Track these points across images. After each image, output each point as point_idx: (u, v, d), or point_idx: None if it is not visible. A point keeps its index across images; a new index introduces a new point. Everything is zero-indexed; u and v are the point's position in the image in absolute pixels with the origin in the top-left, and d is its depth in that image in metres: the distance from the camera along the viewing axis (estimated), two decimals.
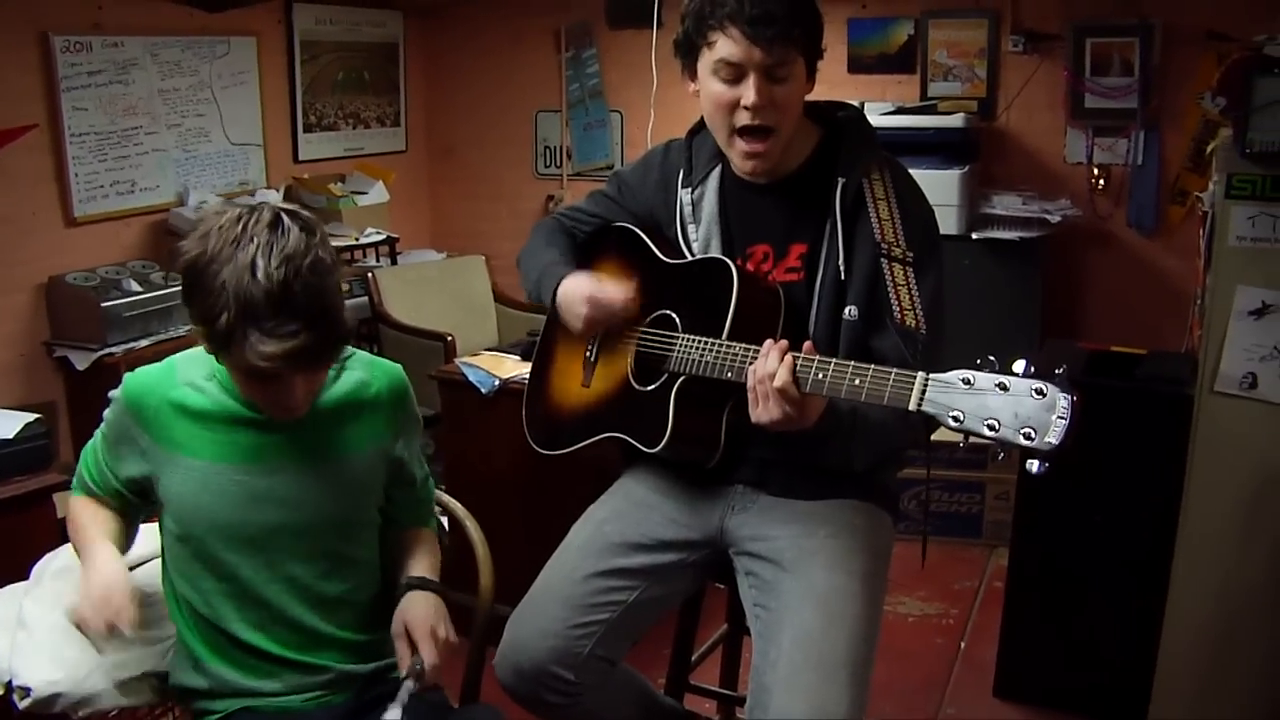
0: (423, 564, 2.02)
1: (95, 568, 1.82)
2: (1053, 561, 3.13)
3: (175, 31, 4.90)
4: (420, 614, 1.87)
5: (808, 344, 1.81)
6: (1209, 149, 3.27)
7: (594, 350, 2.21)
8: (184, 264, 1.67)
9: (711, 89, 1.98)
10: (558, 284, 2.14)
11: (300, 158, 5.71)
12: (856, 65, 5.26)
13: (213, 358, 1.82)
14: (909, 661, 3.50)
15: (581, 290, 2.10)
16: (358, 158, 6.02)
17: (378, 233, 5.55)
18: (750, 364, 1.83)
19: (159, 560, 1.99)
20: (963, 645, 3.63)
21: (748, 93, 1.92)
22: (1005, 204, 4.70)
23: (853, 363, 1.74)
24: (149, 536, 2.04)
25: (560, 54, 5.97)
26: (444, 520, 2.23)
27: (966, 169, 4.57)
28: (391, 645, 1.92)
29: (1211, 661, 2.80)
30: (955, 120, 4.65)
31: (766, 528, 2.07)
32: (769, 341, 1.82)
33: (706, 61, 1.96)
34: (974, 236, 4.56)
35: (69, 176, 4.52)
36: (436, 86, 6.43)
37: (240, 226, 1.64)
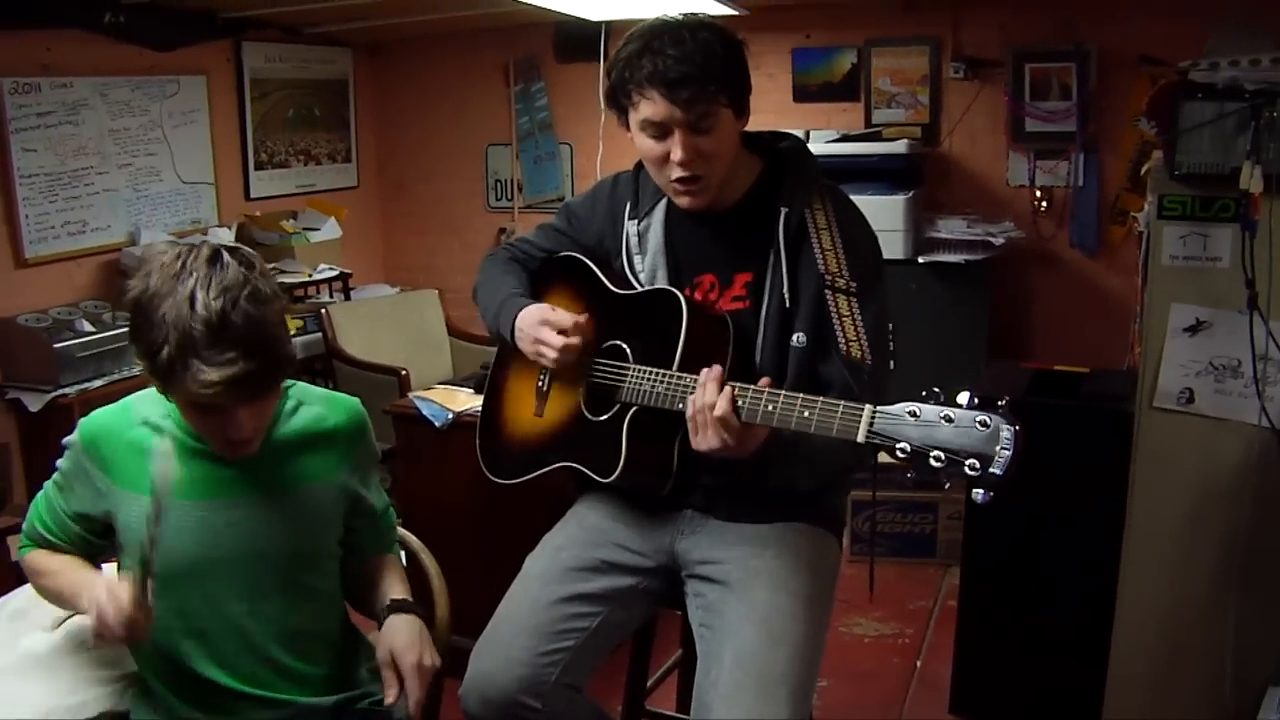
0: (398, 588, 2.04)
1: (93, 585, 1.78)
2: (1003, 579, 3.18)
3: (125, 71, 4.89)
4: (405, 642, 1.89)
5: (765, 380, 1.86)
6: (1143, 170, 3.35)
7: (546, 380, 2.25)
8: (128, 302, 1.71)
9: (642, 145, 2.05)
10: (515, 315, 2.18)
11: (252, 195, 5.70)
12: (801, 94, 5.34)
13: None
14: (865, 681, 3.54)
15: (535, 316, 2.14)
16: (310, 194, 6.03)
17: (330, 269, 5.55)
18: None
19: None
20: (918, 664, 3.67)
21: (675, 149, 1.98)
22: (950, 228, 4.78)
23: (801, 395, 1.78)
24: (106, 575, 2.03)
25: (509, 88, 6.02)
26: (400, 553, 2.25)
27: (911, 194, 4.64)
28: (354, 677, 1.96)
29: (1160, 670, 2.85)
30: (899, 146, 4.73)
31: (715, 550, 2.10)
32: (705, 371, 1.87)
33: (634, 119, 2.03)
34: (920, 260, 4.64)
35: (19, 217, 4.49)
36: (387, 122, 6.45)
37: (180, 263, 1.68)
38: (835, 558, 2.20)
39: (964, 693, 3.31)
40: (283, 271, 5.31)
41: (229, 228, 5.38)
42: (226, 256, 1.70)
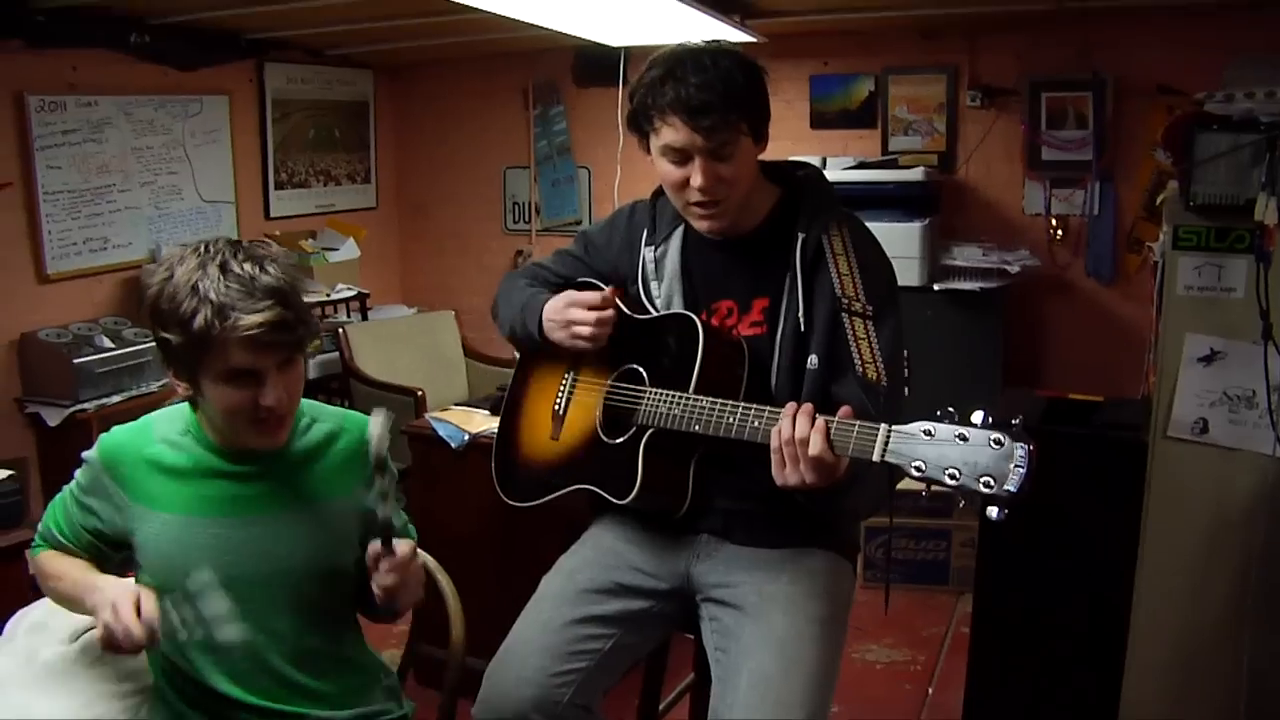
0: None
1: (102, 589, 1.79)
2: (1016, 606, 3.17)
3: (149, 91, 4.96)
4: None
5: (845, 408, 1.81)
6: (1159, 200, 3.36)
7: (562, 403, 2.26)
8: (153, 292, 1.76)
9: (662, 169, 2.07)
10: (541, 308, 2.21)
11: (272, 214, 5.77)
12: (819, 121, 5.38)
13: (188, 412, 1.89)
14: (877, 708, 3.53)
15: (560, 301, 2.18)
16: (329, 214, 6.09)
17: (349, 289, 5.60)
18: (723, 419, 1.89)
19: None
20: (930, 691, 3.66)
21: (695, 175, 2.00)
22: (966, 255, 4.79)
23: (827, 417, 1.79)
24: None
25: (529, 111, 6.07)
26: None
27: (927, 221, 4.66)
28: (370, 696, 1.98)
29: (1173, 700, 2.84)
30: (916, 174, 4.75)
31: (730, 574, 2.11)
32: (791, 405, 1.84)
33: (655, 144, 2.05)
34: (935, 288, 4.65)
35: (42, 234, 4.56)
36: (406, 144, 6.50)
37: (202, 248, 1.77)
38: (850, 583, 2.20)
39: None
40: (308, 303, 5.32)
41: None
42: (244, 242, 1.81)
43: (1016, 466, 1.60)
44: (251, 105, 5.59)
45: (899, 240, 4.42)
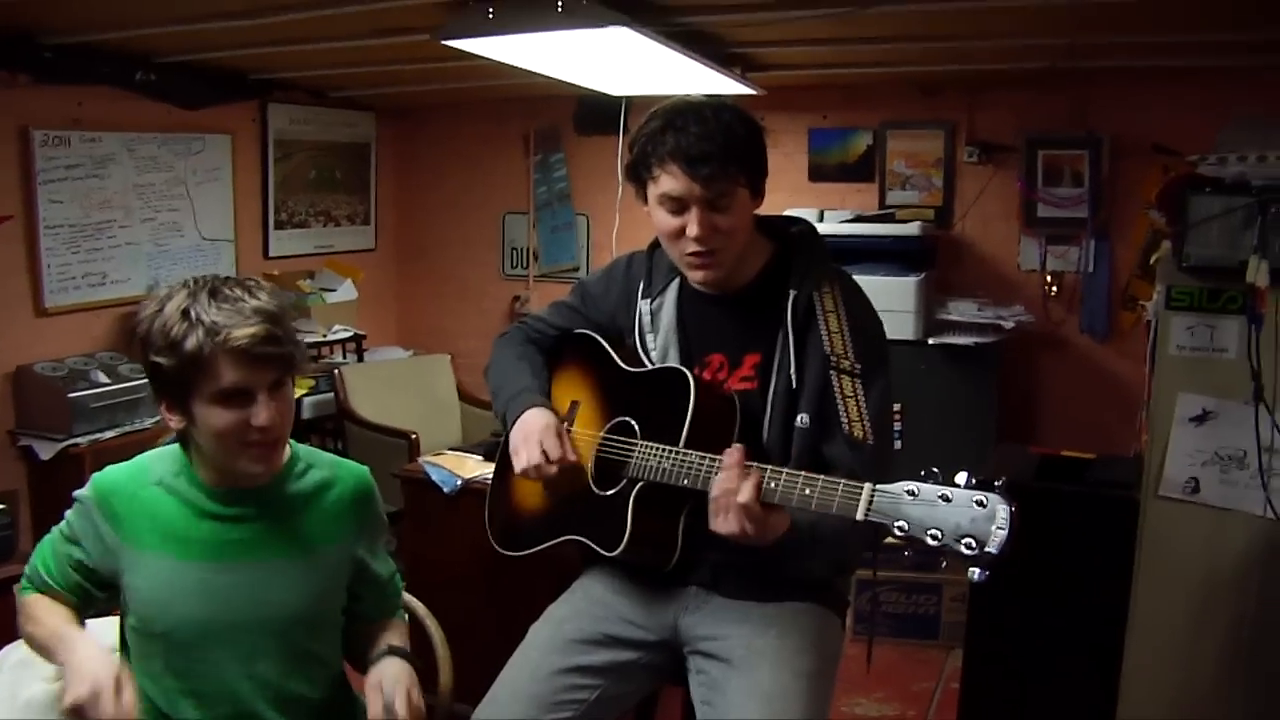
0: (397, 637, 2.06)
1: (80, 654, 1.79)
2: (1007, 662, 3.17)
3: (153, 128, 4.99)
4: (395, 672, 1.91)
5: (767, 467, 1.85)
6: (1153, 259, 3.38)
7: None
8: (145, 325, 1.80)
9: (658, 218, 2.08)
10: (518, 415, 2.20)
11: (271, 254, 5.78)
12: (817, 174, 5.40)
13: (180, 453, 1.90)
14: None
15: (536, 425, 2.16)
16: (327, 255, 6.10)
17: (345, 330, 5.61)
18: (713, 474, 1.89)
19: (118, 654, 1.99)
20: None
21: (691, 225, 2.02)
22: (961, 310, 4.81)
23: (803, 473, 1.80)
24: (109, 629, 2.04)
25: (529, 158, 6.10)
26: (405, 617, 2.26)
27: (923, 276, 4.68)
28: None
29: None
30: (912, 228, 4.77)
31: (719, 627, 2.11)
32: (729, 453, 1.87)
33: (652, 193, 2.07)
34: (930, 342, 4.66)
35: (41, 267, 4.57)
36: (407, 186, 6.53)
37: (192, 282, 1.82)
38: (839, 638, 2.20)
39: None
40: (298, 331, 5.33)
41: None
42: (233, 277, 1.85)
43: (998, 528, 1.61)
44: (254, 144, 5.61)
45: (895, 294, 4.44)
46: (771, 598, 2.12)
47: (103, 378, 4.43)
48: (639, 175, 2.09)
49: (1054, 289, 5.02)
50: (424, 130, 6.40)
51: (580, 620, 2.20)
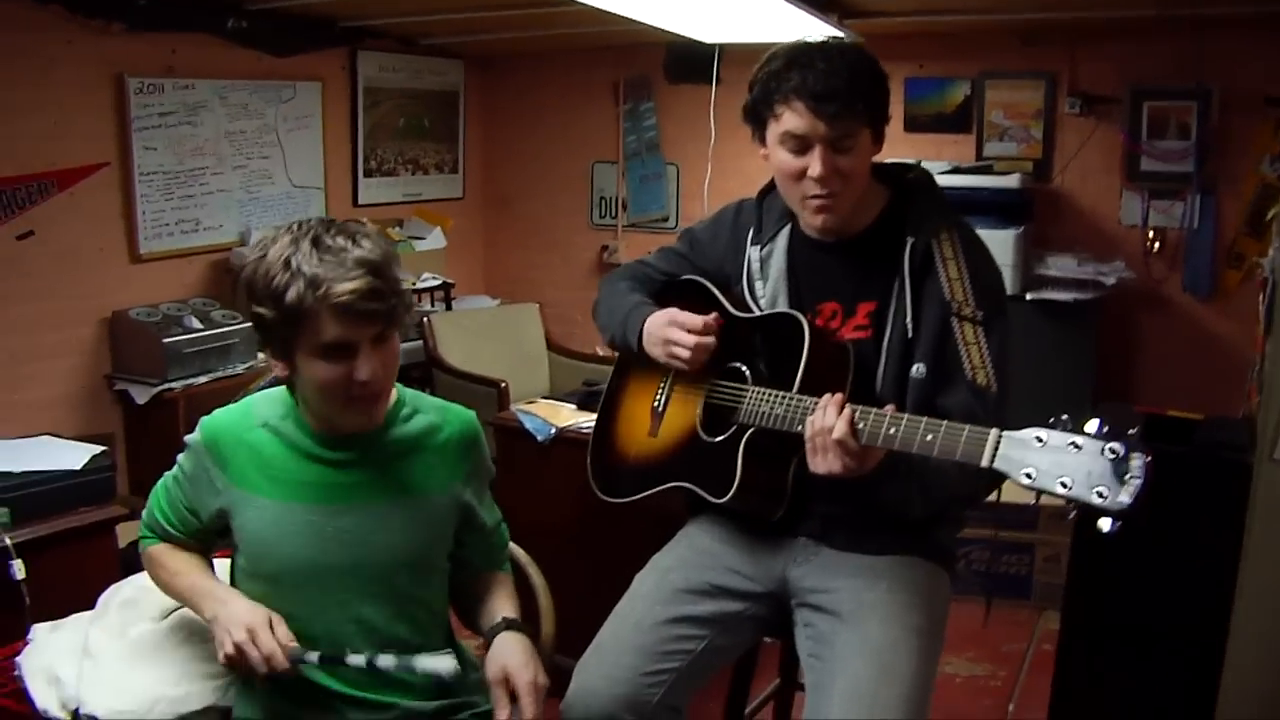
0: (507, 606, 2.03)
1: (230, 605, 1.82)
2: (1106, 627, 3.09)
3: (244, 75, 5.02)
4: (519, 660, 1.87)
5: (890, 406, 1.82)
6: (1269, 215, 3.26)
7: (662, 400, 2.24)
8: (248, 271, 1.77)
9: (779, 158, 2.02)
10: (643, 321, 2.17)
11: (360, 201, 5.81)
12: (913, 124, 5.30)
13: (287, 395, 1.90)
14: None
15: (663, 319, 2.14)
16: (416, 203, 6.12)
17: (434, 278, 5.62)
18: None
19: None
20: (1011, 708, 3.59)
21: (814, 164, 1.96)
22: (1060, 265, 4.70)
23: (925, 419, 1.75)
24: (220, 571, 2.05)
25: (618, 106, 6.05)
26: (510, 571, 2.24)
27: (1021, 229, 4.57)
28: (458, 687, 1.94)
29: None
30: (1011, 181, 4.66)
31: (828, 580, 2.07)
32: (826, 395, 1.84)
33: (774, 132, 2.01)
34: (1028, 297, 4.56)
35: (136, 214, 4.63)
36: (495, 135, 6.52)
37: (295, 227, 1.77)
38: (947, 594, 2.15)
39: None
40: (402, 280, 5.36)
41: None
42: (338, 220, 1.81)
43: (1133, 477, 1.54)
44: (343, 92, 5.63)
45: (992, 247, 4.22)
46: (882, 550, 2.08)
47: (196, 323, 4.47)
48: (759, 114, 2.03)
49: (1156, 245, 4.89)
50: (512, 79, 6.37)
51: (686, 570, 2.16)
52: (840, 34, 4.26)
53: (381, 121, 5.85)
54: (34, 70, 4.24)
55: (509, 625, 1.94)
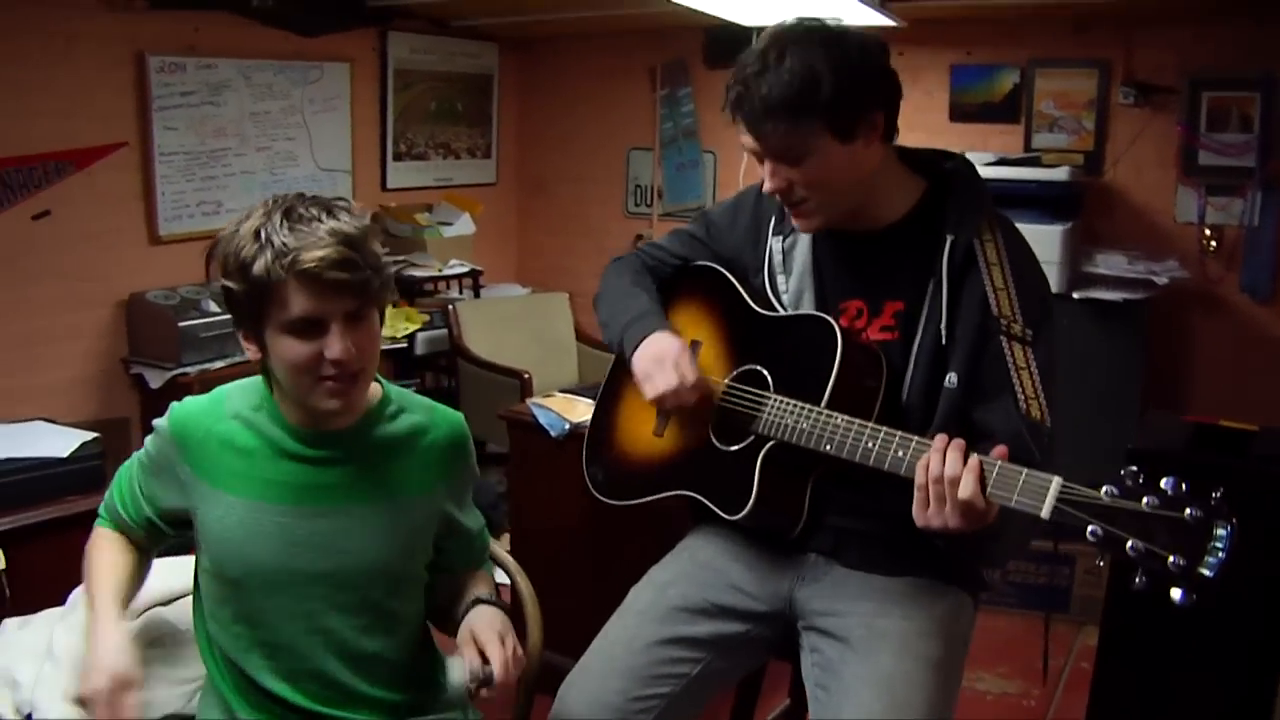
0: (484, 588, 1.93)
1: (103, 644, 1.71)
2: (1147, 646, 2.93)
3: (269, 55, 4.93)
4: (487, 622, 1.77)
5: (1000, 448, 1.61)
6: None
7: None
8: (220, 246, 1.67)
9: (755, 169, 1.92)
10: (642, 338, 2.02)
11: (388, 186, 5.70)
12: (958, 113, 5.12)
13: (263, 385, 1.79)
14: None
15: (668, 352, 1.97)
16: (446, 188, 6.00)
17: (462, 265, 5.52)
18: (861, 442, 1.72)
19: (191, 597, 1.90)
20: None
21: (765, 178, 1.87)
22: (1109, 263, 4.49)
23: (981, 457, 1.59)
24: (183, 570, 1.95)
25: (655, 92, 5.92)
26: (493, 570, 2.11)
27: (1069, 225, 4.38)
28: (432, 704, 1.84)
29: None
30: (1059, 173, 4.46)
31: (838, 602, 1.92)
32: (941, 437, 1.65)
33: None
34: (1075, 296, 4.36)
35: (156, 195, 4.56)
36: (529, 120, 6.42)
37: (270, 200, 1.67)
38: (969, 622, 1.99)
39: None
40: (413, 265, 5.28)
41: None
42: (318, 196, 1.68)
43: (1215, 546, 1.39)
44: (373, 74, 5.52)
45: (1039, 243, 4.01)
46: (898, 572, 1.92)
47: (213, 307, 4.39)
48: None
49: (1213, 244, 4.66)
50: (547, 62, 6.26)
51: (685, 586, 2.01)
52: (883, 18, 4.10)
53: (412, 104, 5.73)
54: (53, 47, 4.16)
55: (480, 601, 1.84)
